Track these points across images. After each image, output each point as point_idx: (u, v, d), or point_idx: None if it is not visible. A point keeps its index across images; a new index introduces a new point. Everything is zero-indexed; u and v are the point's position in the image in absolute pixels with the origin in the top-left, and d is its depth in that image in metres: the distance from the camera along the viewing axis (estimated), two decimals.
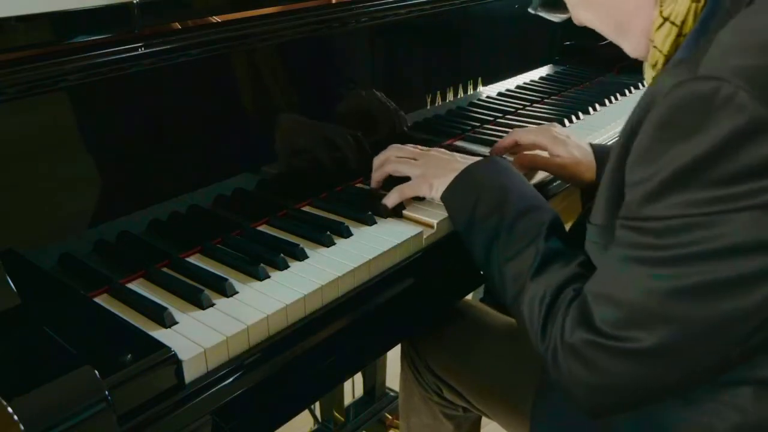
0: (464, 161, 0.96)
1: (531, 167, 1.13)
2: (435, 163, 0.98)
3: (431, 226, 0.97)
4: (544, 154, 1.12)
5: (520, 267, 0.79)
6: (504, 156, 1.15)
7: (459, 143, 1.31)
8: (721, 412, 0.68)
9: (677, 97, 0.60)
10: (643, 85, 1.69)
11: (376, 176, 1.05)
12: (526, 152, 1.13)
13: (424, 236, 0.96)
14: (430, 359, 1.14)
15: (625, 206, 0.66)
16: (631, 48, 0.77)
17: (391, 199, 1.00)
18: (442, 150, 1.04)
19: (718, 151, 0.57)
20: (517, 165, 1.10)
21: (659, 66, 0.72)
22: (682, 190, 0.60)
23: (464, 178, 0.91)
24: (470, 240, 0.87)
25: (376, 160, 1.06)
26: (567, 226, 1.21)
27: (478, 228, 0.86)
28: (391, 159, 1.03)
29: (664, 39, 0.70)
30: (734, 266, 0.59)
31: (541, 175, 1.17)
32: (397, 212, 1.01)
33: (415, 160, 1.01)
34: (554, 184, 1.17)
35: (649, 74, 0.75)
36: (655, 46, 0.71)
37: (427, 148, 1.05)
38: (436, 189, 0.94)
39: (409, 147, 1.05)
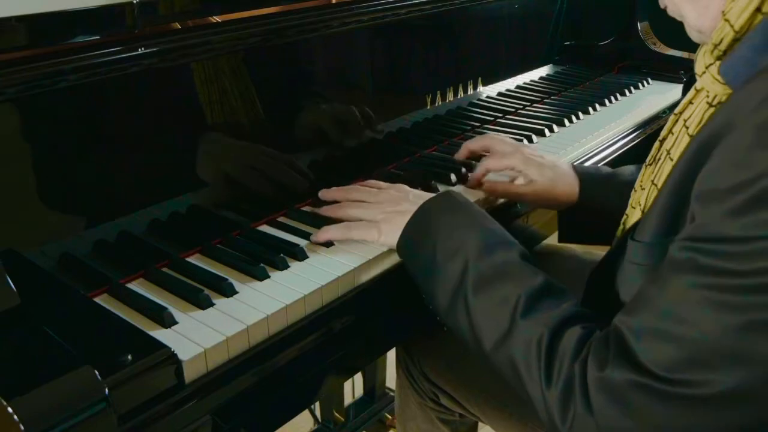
0: (415, 200, 0.87)
1: (503, 197, 1.06)
2: (385, 204, 0.90)
3: None
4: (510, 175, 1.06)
5: (500, 310, 0.70)
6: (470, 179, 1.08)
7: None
8: None
9: None
10: (644, 85, 1.69)
11: (328, 214, 0.96)
12: (495, 181, 1.05)
13: None
14: (425, 366, 1.13)
15: (697, 226, 0.57)
16: (695, 16, 0.67)
17: (329, 235, 0.90)
18: (398, 187, 0.95)
19: None
20: (488, 193, 1.04)
21: (723, 46, 0.63)
22: None
23: (417, 222, 0.82)
24: (431, 288, 0.78)
25: (327, 195, 0.99)
26: (548, 240, 1.19)
27: (440, 275, 0.76)
28: (342, 204, 0.96)
29: (740, 12, 0.60)
30: None
31: None
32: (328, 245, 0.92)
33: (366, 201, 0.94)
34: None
35: (702, 62, 0.66)
36: (726, 19, 0.62)
37: (380, 185, 0.97)
38: (386, 234, 0.86)
39: (361, 189, 0.97)
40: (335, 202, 0.98)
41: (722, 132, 0.57)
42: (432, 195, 0.87)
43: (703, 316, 0.55)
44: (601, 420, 0.59)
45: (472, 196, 1.03)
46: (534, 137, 1.31)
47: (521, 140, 1.28)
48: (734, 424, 0.56)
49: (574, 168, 1.04)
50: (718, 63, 0.64)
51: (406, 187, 0.95)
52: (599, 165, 1.22)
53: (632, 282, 0.69)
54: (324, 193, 1.01)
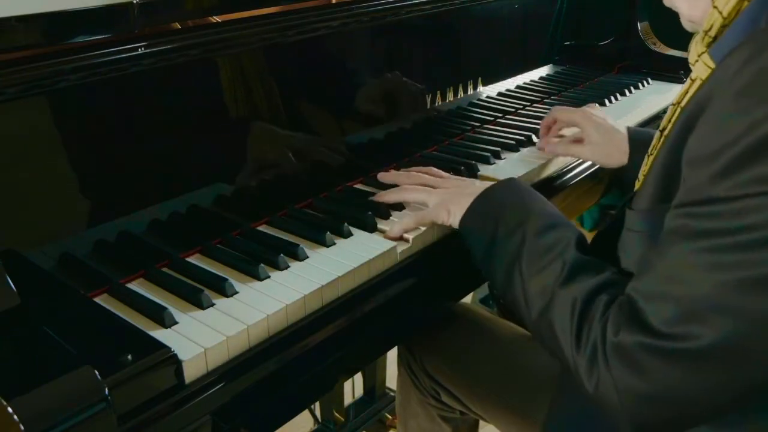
0: (481, 185, 0.92)
1: (564, 154, 1.18)
2: (451, 189, 0.96)
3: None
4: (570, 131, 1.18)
5: (547, 280, 0.75)
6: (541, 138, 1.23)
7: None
8: None
9: (760, 63, 0.56)
10: (644, 85, 1.69)
11: (388, 199, 1.01)
12: (557, 138, 1.19)
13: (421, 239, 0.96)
14: (426, 363, 1.14)
15: (686, 191, 0.61)
16: (687, 6, 0.72)
17: (402, 226, 0.94)
18: (458, 177, 1.04)
19: None
20: (550, 152, 1.18)
21: (712, 32, 0.67)
22: (760, 164, 0.54)
23: (482, 201, 0.88)
24: (490, 263, 0.84)
25: (386, 178, 1.05)
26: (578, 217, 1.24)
27: (500, 248, 0.82)
28: (406, 187, 1.01)
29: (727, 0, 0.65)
30: None
31: (552, 168, 1.20)
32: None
33: (429, 187, 0.99)
34: (565, 177, 1.20)
35: (695, 51, 0.70)
36: (715, 6, 0.66)
37: (441, 174, 1.04)
38: (454, 214, 0.91)
39: (425, 175, 1.03)
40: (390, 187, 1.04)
41: (705, 103, 0.61)
42: (494, 183, 0.93)
43: (698, 276, 0.59)
44: (619, 381, 0.63)
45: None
46: (534, 137, 1.31)
47: (521, 140, 1.28)
48: (724, 383, 0.60)
49: (629, 130, 1.11)
50: (707, 50, 0.68)
51: (463, 178, 1.02)
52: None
53: (631, 249, 0.73)
54: (384, 176, 1.05)
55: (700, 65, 0.68)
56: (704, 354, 0.59)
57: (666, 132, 0.70)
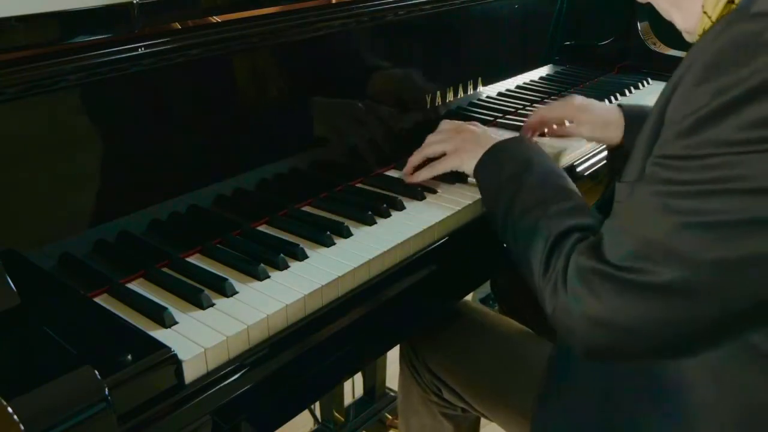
0: (494, 138, 1.02)
1: (563, 135, 1.24)
2: (467, 139, 1.05)
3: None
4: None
5: (537, 215, 0.81)
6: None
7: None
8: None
9: (726, 37, 0.60)
10: (644, 85, 1.69)
11: (415, 159, 1.10)
12: (556, 127, 1.24)
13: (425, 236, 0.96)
14: (429, 360, 1.14)
15: (657, 146, 0.67)
16: (682, 19, 0.77)
17: (422, 176, 1.07)
18: (475, 124, 1.10)
19: (758, 89, 0.57)
20: (550, 135, 1.26)
21: None
22: (713, 128, 0.60)
23: (493, 153, 0.97)
24: (495, 205, 0.91)
25: (412, 174, 1.11)
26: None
27: (503, 191, 0.89)
28: (427, 142, 1.09)
29: (716, 2, 0.70)
30: (756, 209, 0.59)
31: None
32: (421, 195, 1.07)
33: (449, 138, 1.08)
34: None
35: None
36: (705, 12, 0.72)
37: (460, 123, 1.11)
38: (467, 162, 1.01)
39: (444, 126, 1.11)
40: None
41: (682, 78, 0.66)
42: (509, 135, 1.02)
43: (654, 216, 0.65)
44: (573, 303, 0.69)
45: None
46: (534, 137, 1.31)
47: None
48: (672, 319, 0.65)
49: (622, 110, 1.17)
50: None
51: (483, 127, 1.10)
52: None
53: None
54: (410, 176, 1.11)
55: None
56: (651, 288, 0.64)
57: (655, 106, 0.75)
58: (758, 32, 0.58)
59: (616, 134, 1.15)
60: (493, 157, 0.97)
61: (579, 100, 1.22)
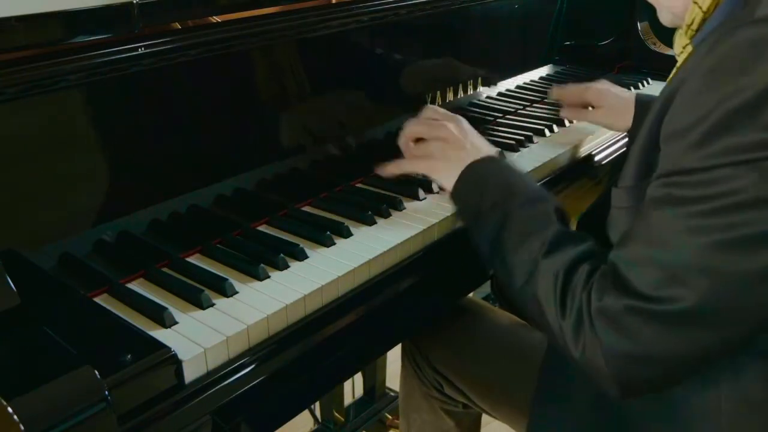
0: (472, 151, 0.95)
1: (577, 118, 1.33)
2: (447, 146, 0.97)
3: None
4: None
5: (530, 250, 0.77)
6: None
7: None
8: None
9: (729, 43, 0.60)
10: (644, 85, 1.69)
11: (392, 171, 1.04)
12: (570, 107, 1.32)
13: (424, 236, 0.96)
14: (430, 355, 1.14)
15: (666, 163, 0.65)
16: (670, 3, 0.77)
17: (387, 171, 1.03)
18: (458, 119, 1.01)
19: (766, 94, 0.56)
20: (563, 116, 1.34)
21: (695, 26, 0.72)
22: (730, 135, 0.58)
23: (468, 174, 0.92)
24: (477, 234, 0.87)
25: (386, 171, 1.05)
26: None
27: (484, 220, 0.85)
28: (405, 132, 1.04)
29: None
30: None
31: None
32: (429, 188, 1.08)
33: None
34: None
35: (679, 43, 0.74)
36: (695, 2, 0.71)
37: (444, 114, 1.03)
38: (443, 177, 0.95)
39: (426, 114, 1.04)
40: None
41: (680, 84, 0.64)
42: (482, 154, 0.94)
43: (680, 240, 0.62)
44: (605, 344, 0.66)
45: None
46: (534, 137, 1.31)
47: (521, 140, 1.28)
48: (707, 340, 0.64)
49: (637, 96, 1.20)
50: (691, 41, 0.74)
51: (465, 125, 1.00)
52: None
53: (619, 225, 0.75)
54: (381, 169, 1.05)
55: (685, 56, 0.73)
56: (688, 314, 0.62)
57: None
58: (761, 37, 0.58)
59: (628, 121, 1.18)
60: (468, 179, 0.91)
61: (602, 85, 1.27)
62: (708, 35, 0.66)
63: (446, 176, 0.94)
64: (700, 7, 0.71)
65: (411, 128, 1.03)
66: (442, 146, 0.97)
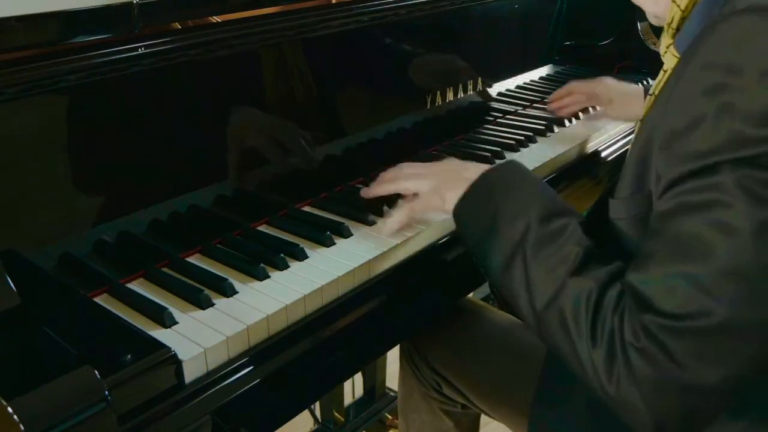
0: (476, 169, 0.86)
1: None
2: (445, 174, 0.90)
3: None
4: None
5: (556, 267, 0.72)
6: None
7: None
8: None
9: (713, 40, 0.61)
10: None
11: (379, 191, 0.97)
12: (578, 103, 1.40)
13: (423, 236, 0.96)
14: (429, 355, 1.14)
15: (667, 170, 0.63)
16: (652, 3, 0.78)
17: (396, 220, 0.92)
18: (451, 159, 0.97)
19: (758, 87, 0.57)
20: (569, 112, 1.39)
21: (674, 24, 0.74)
22: (729, 131, 0.58)
23: (480, 186, 0.83)
24: (487, 250, 0.79)
25: (384, 176, 0.97)
26: None
27: (500, 235, 0.78)
28: (400, 176, 0.94)
29: None
30: None
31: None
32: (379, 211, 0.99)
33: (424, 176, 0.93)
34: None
35: (664, 43, 0.75)
36: (674, 1, 0.73)
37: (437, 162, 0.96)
38: (449, 200, 0.86)
39: (414, 164, 0.97)
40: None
41: (673, 88, 0.65)
42: (493, 165, 0.87)
43: (702, 246, 0.60)
44: (638, 372, 0.62)
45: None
46: (534, 137, 1.31)
47: (521, 140, 1.28)
48: (743, 358, 0.60)
49: (645, 91, 1.26)
50: (674, 41, 0.74)
51: (459, 160, 0.95)
52: None
53: (617, 237, 0.74)
54: (366, 191, 0.99)
55: (669, 56, 0.74)
56: (722, 326, 0.59)
57: (643, 119, 0.74)
58: (746, 28, 0.59)
59: (637, 114, 1.17)
60: (481, 191, 0.83)
61: (608, 80, 1.35)
62: (691, 43, 0.66)
63: (455, 194, 0.85)
64: (678, 6, 0.72)
65: (406, 181, 0.93)
66: (439, 177, 0.90)
